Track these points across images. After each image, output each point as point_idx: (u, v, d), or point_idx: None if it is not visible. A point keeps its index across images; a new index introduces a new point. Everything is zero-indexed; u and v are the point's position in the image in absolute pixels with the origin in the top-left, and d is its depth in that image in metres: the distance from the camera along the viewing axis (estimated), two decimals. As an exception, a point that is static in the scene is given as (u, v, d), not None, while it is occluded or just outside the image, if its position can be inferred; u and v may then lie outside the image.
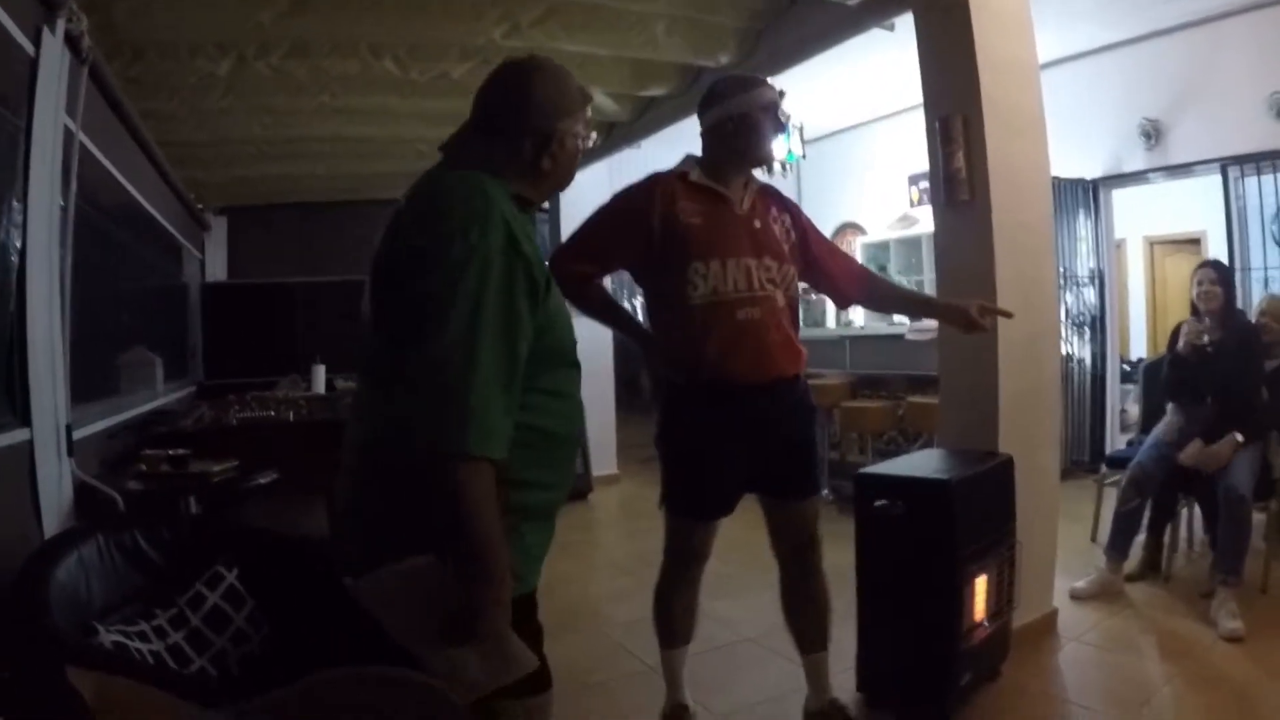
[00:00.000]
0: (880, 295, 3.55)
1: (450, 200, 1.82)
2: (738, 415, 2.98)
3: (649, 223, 2.93)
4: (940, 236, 4.21)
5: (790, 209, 3.22)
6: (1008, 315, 3.28)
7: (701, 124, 3.13)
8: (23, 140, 3.31)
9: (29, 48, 3.37)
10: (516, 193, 1.93)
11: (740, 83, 3.10)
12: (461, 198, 1.81)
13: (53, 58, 3.54)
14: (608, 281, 3.33)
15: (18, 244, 3.22)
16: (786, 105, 3.14)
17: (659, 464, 3.16)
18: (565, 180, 2.09)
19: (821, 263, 3.23)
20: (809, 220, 3.27)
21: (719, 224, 2.96)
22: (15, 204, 3.21)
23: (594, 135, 2.18)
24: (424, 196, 1.89)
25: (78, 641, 2.10)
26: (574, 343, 2.02)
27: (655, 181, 3.03)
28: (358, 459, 1.90)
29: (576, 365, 2.04)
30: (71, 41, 3.73)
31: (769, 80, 3.15)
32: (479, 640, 1.71)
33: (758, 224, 3.03)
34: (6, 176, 3.17)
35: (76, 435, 3.69)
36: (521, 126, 1.97)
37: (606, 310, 3.20)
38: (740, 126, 3.00)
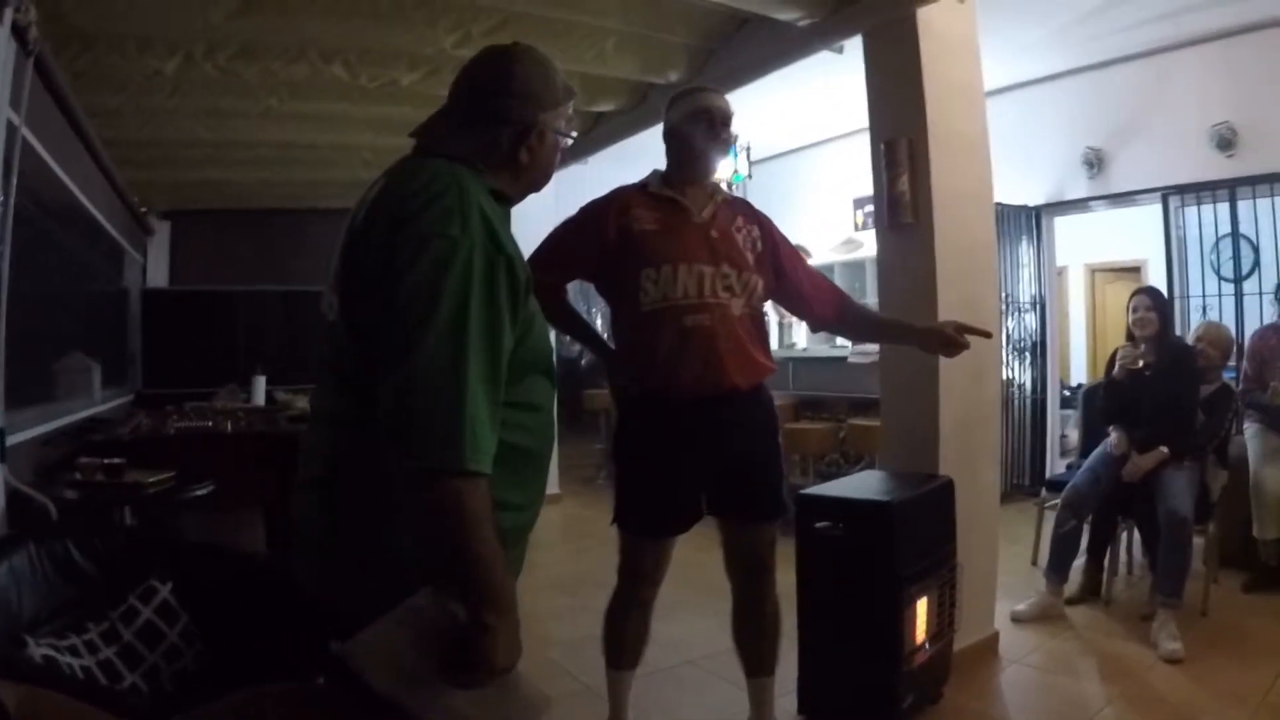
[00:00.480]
0: (855, 320, 3.44)
1: (428, 193, 1.68)
2: (688, 426, 2.96)
3: (606, 232, 2.96)
4: (883, 259, 4.26)
5: (760, 221, 3.20)
6: (986, 335, 3.22)
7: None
8: (-38, 133, 3.23)
9: (-28, 38, 3.29)
10: (492, 186, 1.82)
11: (684, 92, 3.15)
12: (439, 190, 1.68)
13: (-3, 48, 3.45)
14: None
15: (-47, 239, 3.14)
16: (735, 125, 3.14)
17: (613, 479, 3.16)
18: (542, 177, 1.99)
19: (793, 280, 3.20)
20: (783, 236, 3.26)
21: (673, 231, 2.97)
22: (-47, 199, 3.12)
23: (573, 133, 2.13)
24: (398, 186, 1.76)
25: (6, 653, 2.02)
26: (549, 351, 1.92)
27: (616, 192, 3.08)
28: (327, 471, 1.76)
29: (550, 374, 1.92)
30: (18, 32, 3.65)
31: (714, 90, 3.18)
32: (490, 678, 1.57)
33: (715, 232, 3.02)
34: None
35: (9, 441, 3.59)
36: (501, 115, 1.86)
37: (569, 321, 3.24)
38: (673, 138, 3.08)
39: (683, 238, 2.97)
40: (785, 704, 3.55)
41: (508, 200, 1.90)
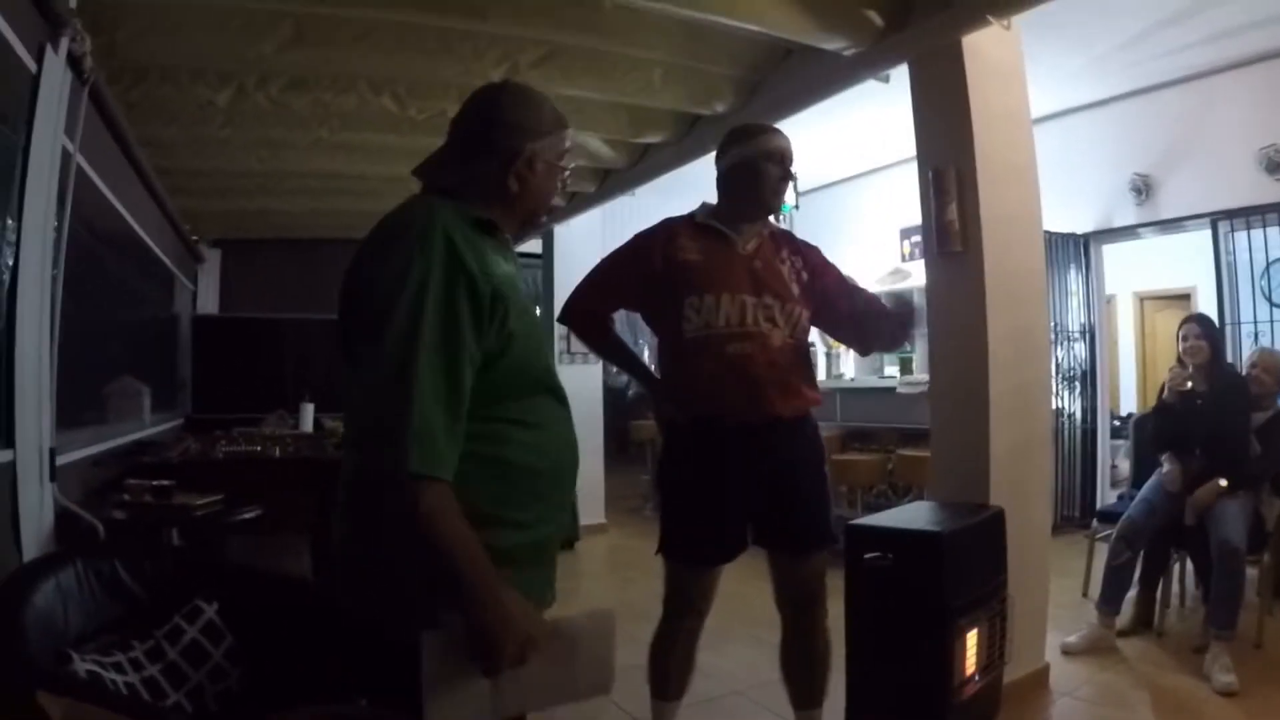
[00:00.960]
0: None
1: (396, 223, 1.82)
2: (733, 454, 2.95)
3: (652, 262, 2.98)
4: (933, 287, 4.21)
5: (804, 252, 3.21)
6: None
7: (717, 170, 3.15)
8: (20, 157, 3.28)
9: (31, 65, 3.34)
10: (481, 215, 1.89)
11: (749, 131, 3.13)
12: (408, 220, 1.80)
13: (54, 76, 3.51)
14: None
15: (9, 262, 3.18)
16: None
17: (659, 508, 3.16)
18: (539, 205, 2.04)
19: (837, 306, 3.17)
20: (832, 266, 3.25)
21: (717, 261, 2.99)
22: (10, 221, 3.17)
23: (571, 164, 2.14)
24: (380, 222, 1.88)
25: (51, 668, 2.03)
26: (545, 368, 1.97)
27: (663, 224, 3.11)
28: (344, 492, 1.85)
29: (554, 393, 1.98)
30: (74, 61, 3.71)
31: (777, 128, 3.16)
32: (506, 657, 1.64)
33: (759, 263, 3.02)
34: (2, 193, 3.14)
35: (60, 461, 3.63)
36: (488, 147, 1.95)
37: (614, 350, 3.30)
38: (745, 173, 3.03)
39: (727, 268, 2.98)
40: (834, 735, 3.53)
41: (497, 230, 1.95)
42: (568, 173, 2.10)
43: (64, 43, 3.56)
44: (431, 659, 1.63)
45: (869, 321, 3.19)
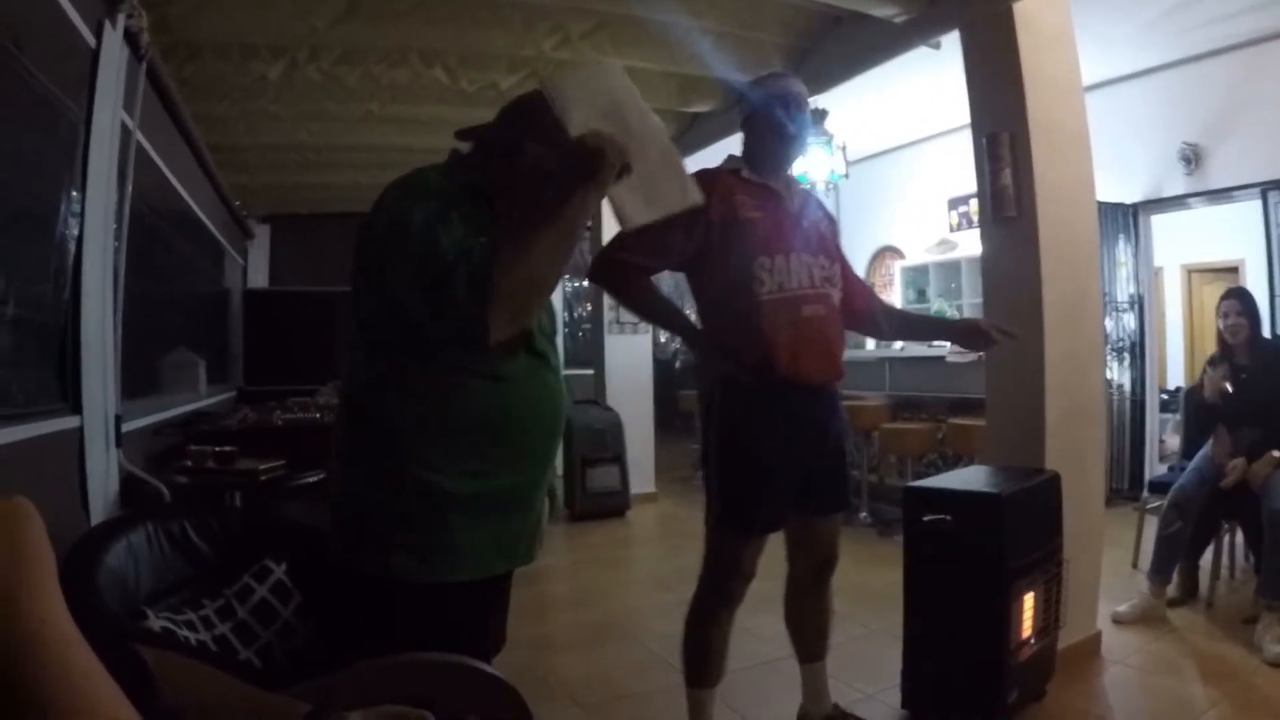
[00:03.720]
0: (888, 317, 3.44)
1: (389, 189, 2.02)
2: (802, 416, 2.94)
3: (709, 217, 2.84)
4: (987, 253, 4.17)
5: (828, 215, 3.21)
6: (1013, 337, 3.16)
7: (741, 127, 3.14)
8: (82, 132, 3.34)
9: (90, 40, 3.40)
10: (473, 183, 2.03)
11: (761, 80, 3.13)
12: (398, 180, 2.03)
13: (113, 52, 3.57)
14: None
15: (75, 233, 3.25)
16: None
17: (712, 476, 2.98)
18: (515, 191, 2.08)
19: (845, 275, 3.16)
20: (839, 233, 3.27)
21: (777, 219, 2.94)
22: (74, 194, 3.23)
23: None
24: None
25: (129, 624, 2.09)
26: (528, 330, 1.99)
27: (711, 177, 2.92)
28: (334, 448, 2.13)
29: (533, 351, 2.04)
30: (130, 38, 3.77)
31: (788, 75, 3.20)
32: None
33: (807, 222, 3.01)
34: (66, 166, 3.20)
35: (124, 428, 3.71)
36: (495, 134, 2.08)
37: (656, 303, 3.07)
38: (764, 118, 3.00)
39: (786, 227, 2.94)
40: (889, 698, 3.57)
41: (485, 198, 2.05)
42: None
43: (121, 19, 3.62)
44: None
45: (874, 317, 3.31)
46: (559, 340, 2.38)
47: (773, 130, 3.00)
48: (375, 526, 1.96)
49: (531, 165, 2.01)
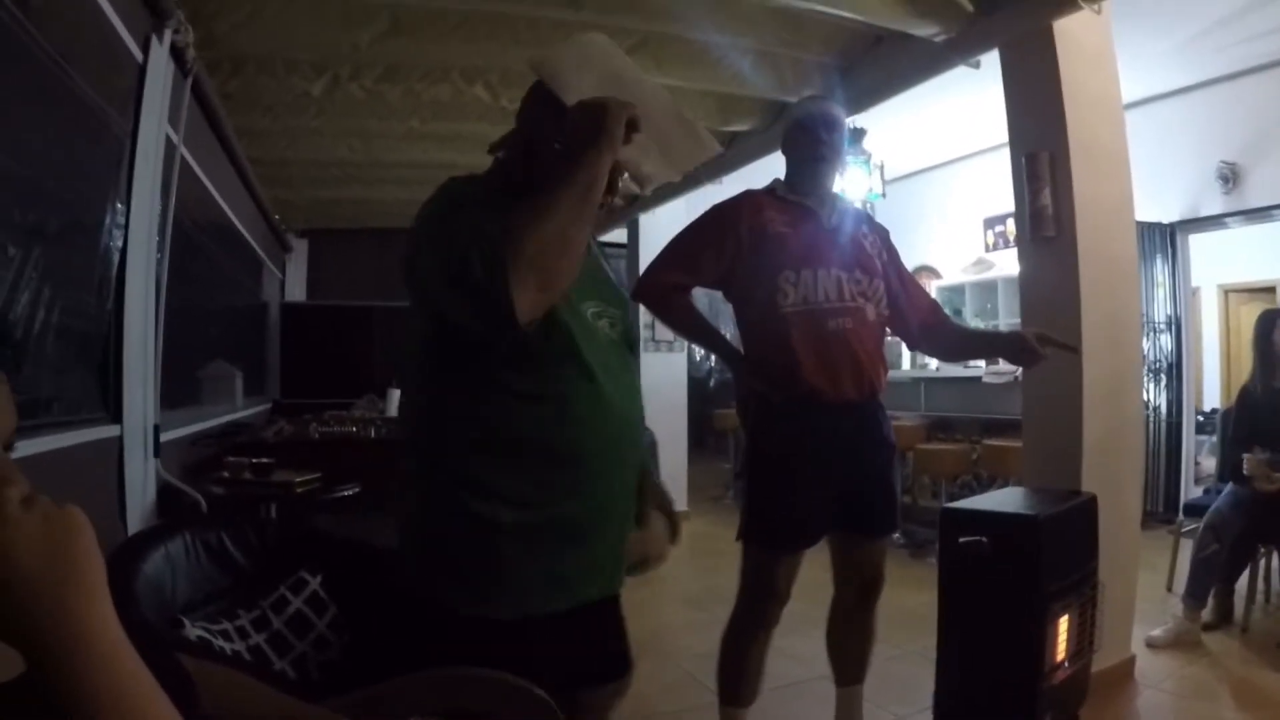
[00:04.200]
0: (948, 334, 3.43)
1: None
2: (831, 432, 2.92)
3: (738, 232, 2.93)
4: (1026, 273, 4.18)
5: (879, 231, 3.22)
6: (1073, 350, 3.17)
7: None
8: (128, 145, 3.39)
9: (138, 55, 3.45)
10: (509, 188, 1.97)
11: (800, 101, 3.28)
12: (429, 198, 1.98)
13: (159, 67, 3.63)
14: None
15: (119, 245, 3.29)
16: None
17: (743, 493, 3.06)
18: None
19: (898, 294, 3.15)
20: (896, 249, 3.24)
21: (806, 234, 2.96)
22: (119, 206, 3.28)
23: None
24: None
25: (167, 633, 2.11)
26: (565, 340, 1.90)
27: (744, 195, 3.07)
28: (407, 467, 2.00)
29: (583, 370, 1.92)
30: (176, 53, 3.82)
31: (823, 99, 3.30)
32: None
33: (844, 238, 3.01)
34: (112, 178, 3.25)
35: (162, 438, 3.74)
36: (518, 134, 2.05)
37: (693, 323, 3.13)
38: (796, 135, 3.09)
39: (817, 242, 2.95)
40: (921, 720, 3.54)
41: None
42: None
43: (168, 34, 3.67)
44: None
45: (936, 333, 3.28)
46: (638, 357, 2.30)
47: (808, 149, 3.04)
48: (429, 553, 1.91)
49: (555, 148, 1.97)
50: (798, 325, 2.86)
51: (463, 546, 1.87)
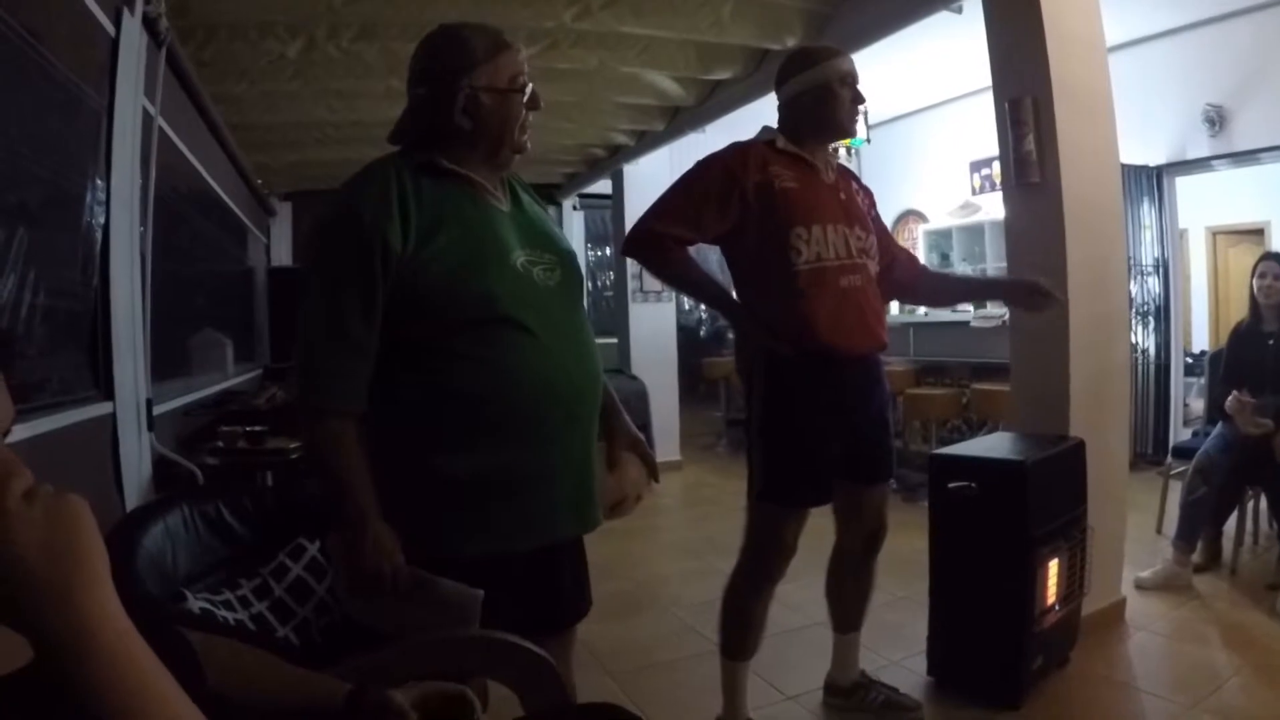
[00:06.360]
0: (938, 287, 3.49)
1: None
2: (843, 388, 2.92)
3: (744, 187, 2.83)
4: (1011, 219, 4.16)
5: (864, 189, 3.19)
6: (1059, 300, 3.14)
7: (779, 96, 3.06)
8: (105, 120, 3.37)
9: (110, 28, 3.43)
10: (428, 160, 2.00)
11: (818, 53, 3.03)
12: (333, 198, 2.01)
13: (132, 39, 3.60)
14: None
15: (101, 221, 3.28)
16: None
17: (755, 452, 2.97)
18: (502, 133, 2.06)
19: (885, 246, 3.16)
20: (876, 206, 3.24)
21: (812, 190, 2.90)
22: (99, 182, 3.27)
23: (530, 85, 2.09)
24: None
25: (170, 606, 2.13)
26: (486, 296, 1.94)
27: (745, 148, 2.94)
28: None
29: (513, 321, 1.96)
30: (149, 24, 3.79)
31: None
32: (364, 576, 1.90)
33: (843, 195, 2.99)
34: (91, 155, 3.23)
35: (155, 411, 3.76)
36: (426, 94, 2.02)
37: (695, 277, 2.99)
38: (820, 97, 2.92)
39: (822, 198, 2.91)
40: (914, 664, 3.61)
41: (451, 169, 2.03)
42: (528, 91, 2.08)
43: (139, 5, 3.64)
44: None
45: (921, 284, 3.33)
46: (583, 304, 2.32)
47: (832, 113, 2.94)
48: (384, 504, 1.94)
49: (489, 99, 2.01)
50: (812, 283, 2.82)
51: (411, 500, 1.96)
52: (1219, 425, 4.93)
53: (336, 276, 1.89)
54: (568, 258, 2.19)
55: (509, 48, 2.07)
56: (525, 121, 2.10)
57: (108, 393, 3.33)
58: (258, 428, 4.27)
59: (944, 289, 3.64)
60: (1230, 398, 4.69)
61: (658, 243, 2.88)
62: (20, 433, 2.35)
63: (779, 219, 2.83)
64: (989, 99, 4.12)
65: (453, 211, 1.95)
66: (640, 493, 2.36)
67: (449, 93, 1.98)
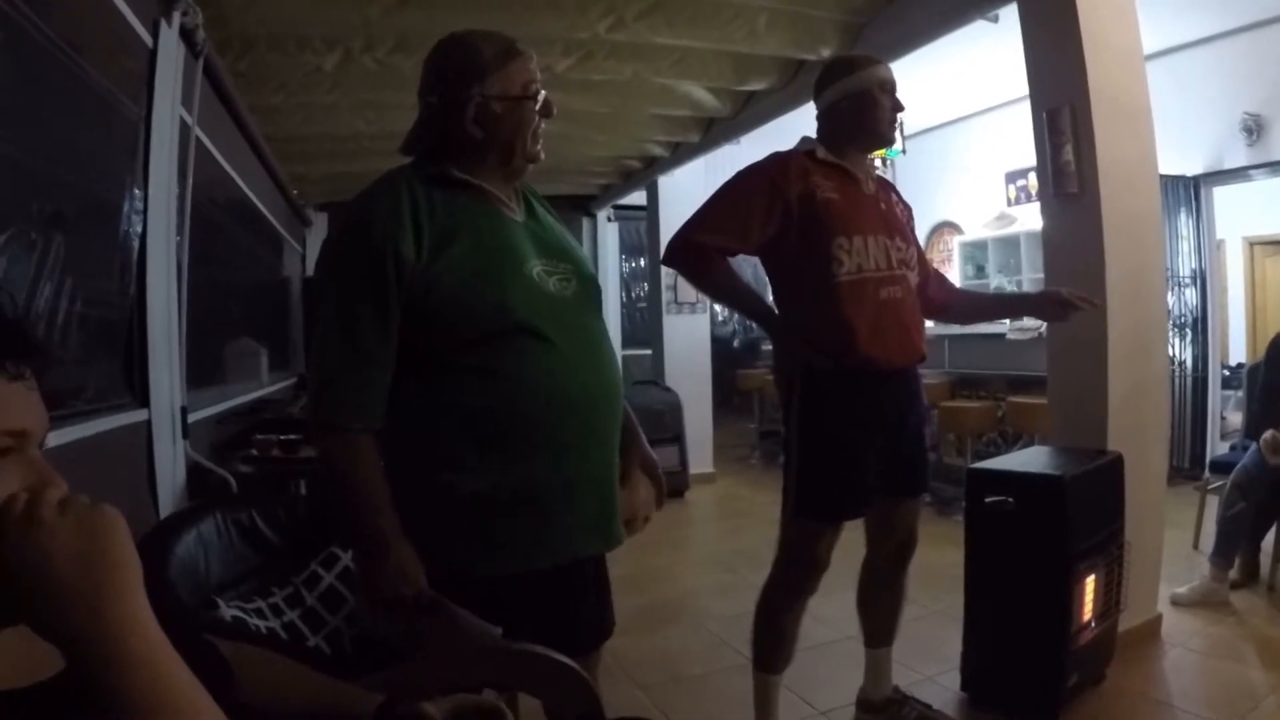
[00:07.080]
0: (968, 306, 3.50)
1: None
2: (882, 401, 2.90)
3: (787, 197, 2.80)
4: (1048, 230, 4.12)
5: (904, 202, 3.17)
6: (1093, 305, 3.09)
7: (818, 105, 3.04)
8: (143, 130, 3.40)
9: (148, 39, 3.45)
10: (440, 171, 1.99)
11: (857, 61, 3.02)
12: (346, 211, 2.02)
13: (170, 50, 3.63)
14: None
15: (138, 230, 3.31)
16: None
17: (791, 466, 2.94)
18: (514, 141, 2.04)
19: (921, 262, 3.15)
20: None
21: (853, 201, 2.88)
22: (137, 191, 3.29)
23: (542, 92, 2.08)
24: None
25: (202, 614, 2.14)
26: (501, 306, 1.91)
27: (786, 158, 2.91)
28: None
29: (532, 332, 1.93)
30: (186, 35, 3.82)
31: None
32: (382, 602, 1.87)
33: (883, 206, 2.97)
34: (128, 164, 3.26)
35: (189, 419, 3.78)
36: (437, 105, 2.02)
37: (737, 288, 2.98)
38: (859, 105, 2.90)
39: (863, 208, 2.89)
40: (948, 680, 3.57)
41: (465, 180, 2.02)
42: (541, 98, 2.06)
43: (177, 16, 3.66)
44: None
45: (951, 303, 3.32)
46: (606, 314, 2.30)
47: (873, 123, 2.93)
48: (405, 521, 1.91)
49: (500, 107, 2.00)
50: (852, 294, 2.80)
51: (429, 517, 1.93)
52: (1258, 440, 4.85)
53: (349, 289, 1.87)
54: (584, 267, 2.18)
55: (520, 55, 2.05)
56: (538, 129, 2.08)
57: (143, 400, 3.35)
58: (292, 436, 4.28)
59: (974, 307, 3.64)
60: (1267, 434, 4.62)
61: (700, 252, 2.85)
62: (55, 439, 2.36)
63: (821, 229, 2.81)
64: (1024, 109, 4.09)
65: (465, 222, 1.94)
66: (649, 514, 2.32)
67: (460, 101, 1.97)
